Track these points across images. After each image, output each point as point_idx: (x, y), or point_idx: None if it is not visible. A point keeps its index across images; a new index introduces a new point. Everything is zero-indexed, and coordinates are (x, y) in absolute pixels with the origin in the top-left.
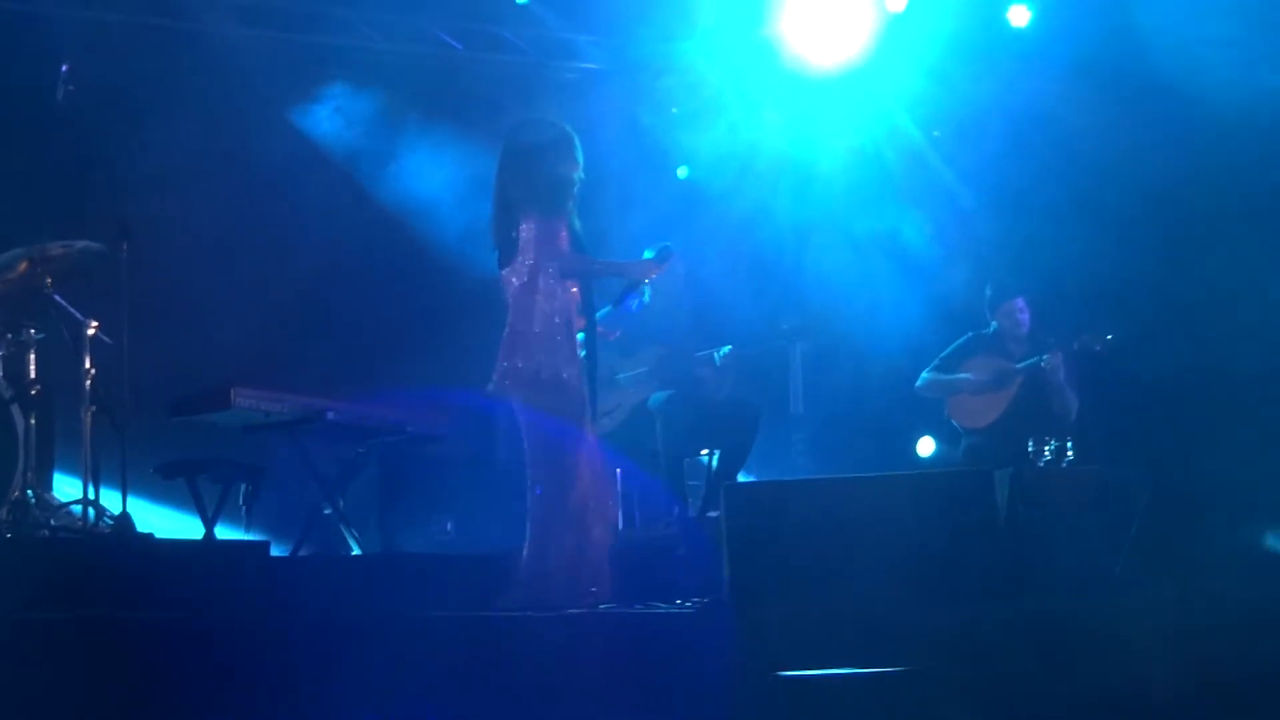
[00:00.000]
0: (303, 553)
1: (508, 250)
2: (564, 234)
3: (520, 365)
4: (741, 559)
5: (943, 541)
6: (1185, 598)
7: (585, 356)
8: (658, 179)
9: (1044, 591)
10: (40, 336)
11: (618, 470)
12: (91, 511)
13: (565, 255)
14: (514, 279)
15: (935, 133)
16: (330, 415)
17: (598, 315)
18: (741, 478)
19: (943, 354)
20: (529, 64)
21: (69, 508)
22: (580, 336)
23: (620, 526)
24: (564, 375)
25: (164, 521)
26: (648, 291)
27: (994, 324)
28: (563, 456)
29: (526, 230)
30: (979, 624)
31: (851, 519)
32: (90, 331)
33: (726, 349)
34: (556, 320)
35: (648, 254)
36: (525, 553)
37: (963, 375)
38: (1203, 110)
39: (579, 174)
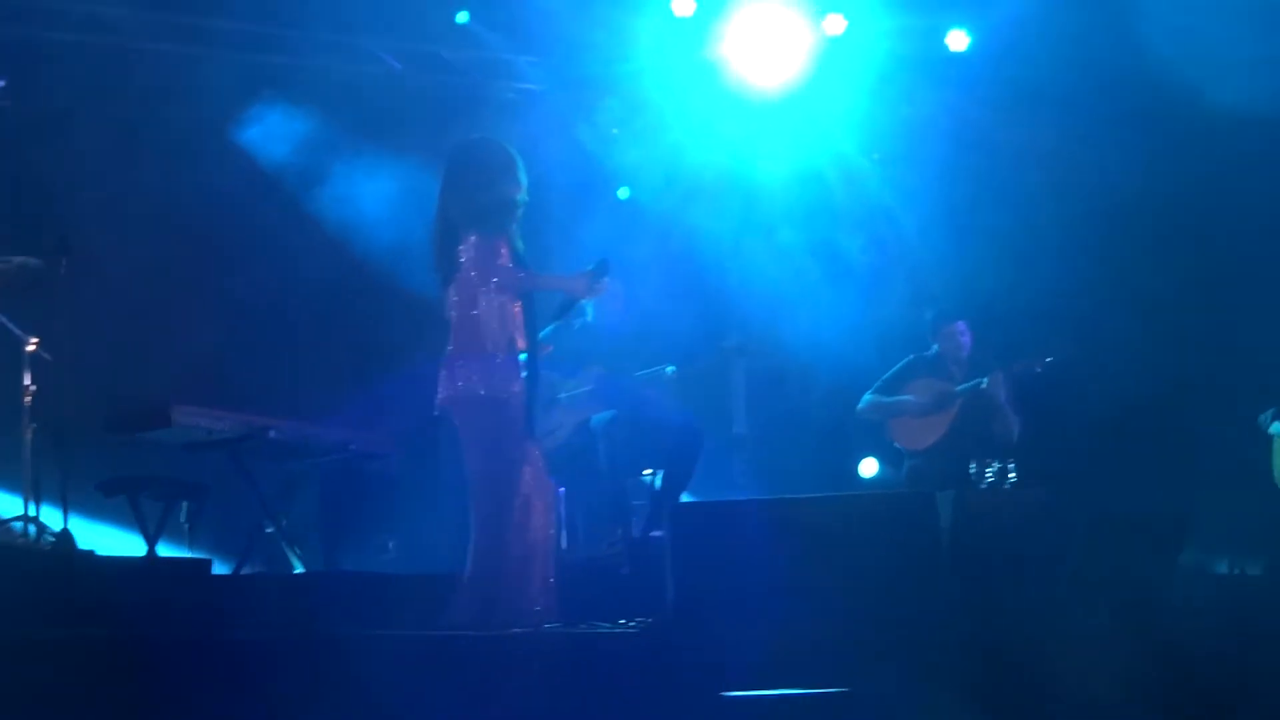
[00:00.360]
0: (245, 571)
1: (449, 269)
2: (505, 252)
3: (461, 385)
4: (685, 579)
5: (885, 563)
6: (1126, 620)
7: (527, 375)
8: (599, 199)
9: (986, 614)
10: None
11: (560, 490)
12: (32, 528)
13: (504, 270)
14: (455, 298)
15: (875, 155)
16: (272, 433)
17: (541, 334)
18: (684, 498)
19: (884, 376)
20: (469, 84)
21: (9, 524)
22: (523, 356)
23: (564, 546)
24: (505, 394)
25: (105, 539)
26: (590, 310)
27: (935, 346)
28: (505, 476)
29: (467, 249)
30: (921, 645)
31: (795, 540)
32: (30, 348)
33: (670, 369)
34: (498, 339)
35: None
36: (468, 572)
37: (904, 397)
38: (1142, 132)
39: (522, 195)
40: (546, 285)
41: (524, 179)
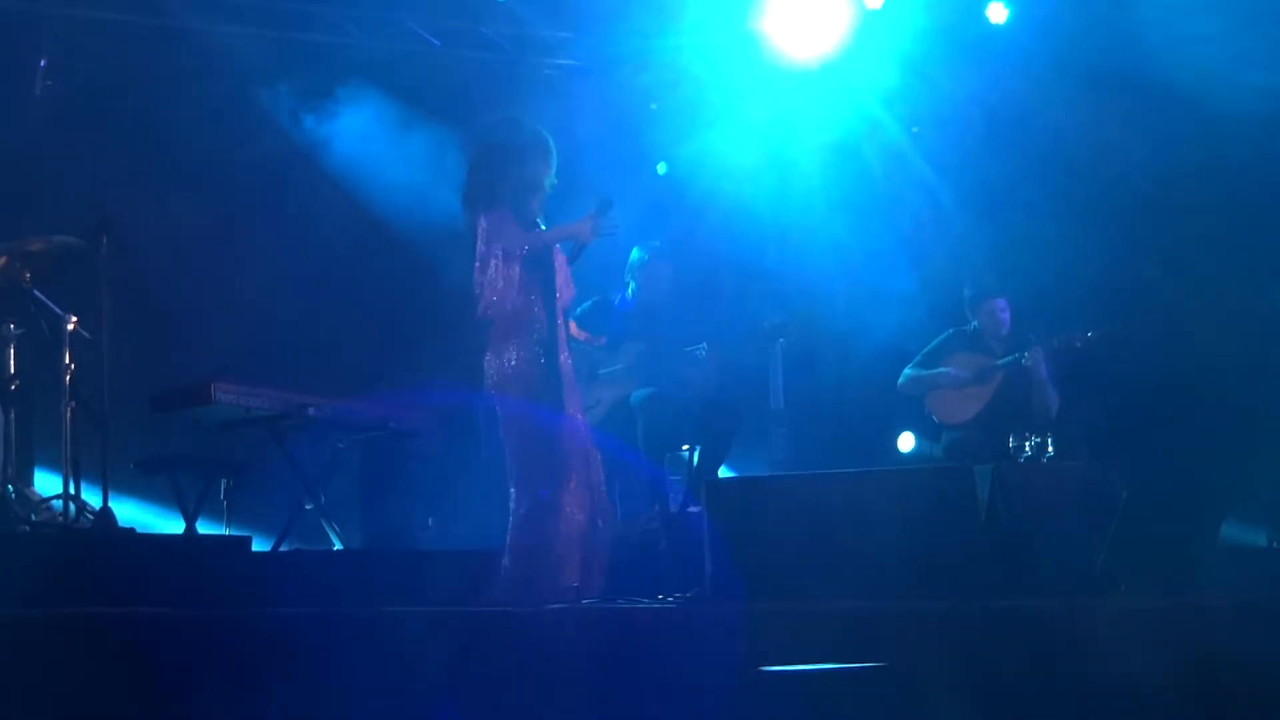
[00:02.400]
0: (284, 548)
1: (475, 246)
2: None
3: (493, 360)
4: (723, 554)
5: (923, 537)
6: (1165, 594)
7: (560, 351)
8: (637, 175)
9: (1025, 588)
10: (19, 332)
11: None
12: (72, 507)
13: (510, 237)
14: (480, 273)
15: (914, 129)
16: (311, 411)
17: (576, 312)
18: (722, 473)
19: (924, 350)
20: (507, 61)
21: (50, 503)
22: (553, 331)
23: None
24: (534, 364)
25: (145, 517)
26: (631, 286)
27: (974, 323)
28: (542, 453)
29: (484, 224)
30: (960, 620)
31: (832, 515)
32: (70, 327)
33: (703, 347)
34: (524, 311)
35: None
36: (507, 548)
37: (944, 370)
38: (1183, 107)
39: (550, 178)
40: (553, 238)
41: (554, 163)
